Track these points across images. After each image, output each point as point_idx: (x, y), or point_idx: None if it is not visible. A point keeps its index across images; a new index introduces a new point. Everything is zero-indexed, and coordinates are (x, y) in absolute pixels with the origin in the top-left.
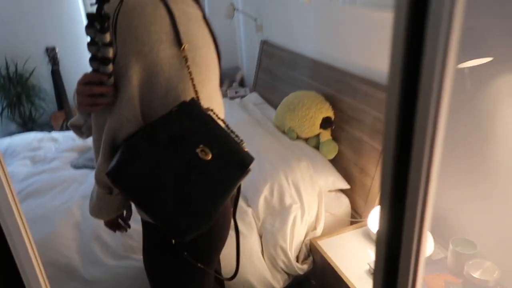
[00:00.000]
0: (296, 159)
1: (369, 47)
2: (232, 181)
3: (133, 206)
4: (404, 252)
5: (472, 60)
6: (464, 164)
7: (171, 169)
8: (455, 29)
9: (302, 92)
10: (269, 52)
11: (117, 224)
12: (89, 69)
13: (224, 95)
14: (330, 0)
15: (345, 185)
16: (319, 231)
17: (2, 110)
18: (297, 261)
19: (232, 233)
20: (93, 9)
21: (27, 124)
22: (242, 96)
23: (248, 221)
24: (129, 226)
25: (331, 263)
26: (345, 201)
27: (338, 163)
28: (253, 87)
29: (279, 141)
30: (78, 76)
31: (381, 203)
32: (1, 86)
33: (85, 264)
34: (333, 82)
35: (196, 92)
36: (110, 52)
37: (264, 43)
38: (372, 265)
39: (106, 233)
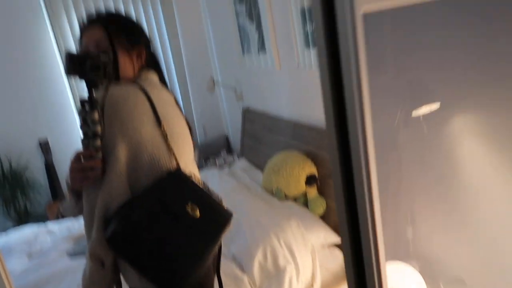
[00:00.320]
0: (286, 219)
1: None
2: (217, 235)
3: (123, 280)
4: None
5: (422, 108)
6: (441, 206)
7: (164, 227)
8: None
9: (285, 153)
10: (251, 118)
11: None
12: None
13: (213, 164)
14: (298, 67)
15: (337, 239)
16: None
17: None
18: None
19: None
20: (84, 95)
21: (22, 219)
22: (230, 163)
23: None
24: None
25: None
26: (339, 255)
27: (328, 218)
28: (240, 153)
29: (268, 203)
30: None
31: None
32: None
33: None
34: (312, 140)
35: (177, 163)
36: (99, 129)
37: (246, 111)
38: None
39: None
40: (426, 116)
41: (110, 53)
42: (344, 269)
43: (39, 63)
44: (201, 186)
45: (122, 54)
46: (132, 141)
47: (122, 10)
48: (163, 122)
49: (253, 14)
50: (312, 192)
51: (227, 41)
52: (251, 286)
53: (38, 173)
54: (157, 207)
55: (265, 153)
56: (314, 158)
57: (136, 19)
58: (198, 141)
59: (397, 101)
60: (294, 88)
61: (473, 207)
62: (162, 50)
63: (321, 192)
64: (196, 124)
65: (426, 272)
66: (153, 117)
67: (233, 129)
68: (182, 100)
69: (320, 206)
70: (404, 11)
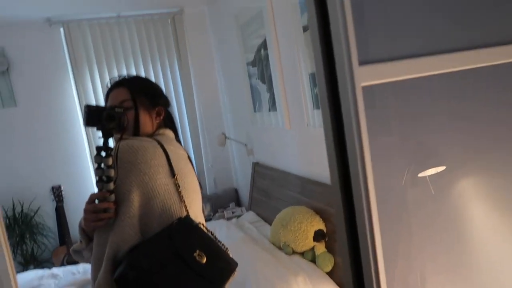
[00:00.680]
0: (293, 274)
1: None
2: (222, 282)
3: None
4: None
5: (429, 169)
6: (451, 271)
7: (173, 272)
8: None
9: (293, 207)
10: (261, 172)
11: None
12: None
13: (221, 216)
14: (307, 126)
15: None
16: None
17: None
18: None
19: None
20: (100, 144)
21: (29, 263)
22: (239, 216)
23: None
24: None
25: None
26: None
27: (335, 275)
28: (249, 206)
29: (275, 257)
30: (81, 211)
31: None
32: (6, 227)
33: None
34: (320, 196)
35: (187, 211)
36: (112, 173)
37: (256, 165)
38: None
39: None
40: (431, 177)
41: (123, 107)
42: None
43: (61, 115)
44: (208, 235)
45: (143, 112)
46: (147, 187)
47: (142, 71)
48: (177, 175)
49: (265, 76)
50: (320, 248)
51: (240, 100)
52: None
53: (48, 218)
54: (167, 252)
55: (274, 207)
56: (322, 214)
57: (155, 81)
58: (208, 192)
59: (404, 162)
60: (303, 146)
61: (485, 268)
62: (177, 106)
63: (329, 248)
64: (206, 176)
65: None
66: (168, 169)
67: (243, 182)
68: (194, 153)
69: (328, 262)
70: (406, 82)
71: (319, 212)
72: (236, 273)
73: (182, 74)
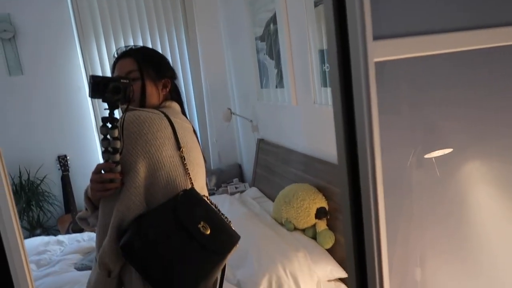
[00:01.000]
0: (293, 250)
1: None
2: (224, 254)
3: None
4: None
5: (436, 151)
6: (452, 252)
7: (177, 243)
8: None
9: (296, 185)
10: (265, 149)
11: None
12: None
13: (225, 191)
14: (314, 103)
15: (343, 274)
16: None
17: None
18: None
19: None
20: (105, 113)
21: (35, 229)
22: (242, 191)
23: None
24: None
25: None
26: None
27: (335, 252)
28: (252, 182)
29: (277, 233)
30: (87, 180)
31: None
32: (13, 194)
33: None
34: (324, 174)
35: (192, 184)
36: (118, 144)
37: (260, 141)
38: None
39: None
40: (437, 159)
41: (131, 78)
42: None
43: (68, 85)
44: (212, 207)
45: (149, 84)
46: (153, 158)
47: (149, 43)
48: (183, 147)
49: (273, 51)
50: (322, 225)
51: (247, 75)
52: None
53: (53, 186)
54: (172, 223)
55: (277, 184)
56: (325, 191)
57: (162, 53)
58: (212, 167)
59: (411, 142)
60: (309, 124)
61: (486, 253)
62: (184, 80)
63: (330, 225)
64: (211, 151)
65: None
66: (174, 142)
67: (247, 158)
68: (199, 127)
69: (329, 239)
70: (420, 60)
71: (322, 190)
72: (238, 245)
73: (190, 47)
